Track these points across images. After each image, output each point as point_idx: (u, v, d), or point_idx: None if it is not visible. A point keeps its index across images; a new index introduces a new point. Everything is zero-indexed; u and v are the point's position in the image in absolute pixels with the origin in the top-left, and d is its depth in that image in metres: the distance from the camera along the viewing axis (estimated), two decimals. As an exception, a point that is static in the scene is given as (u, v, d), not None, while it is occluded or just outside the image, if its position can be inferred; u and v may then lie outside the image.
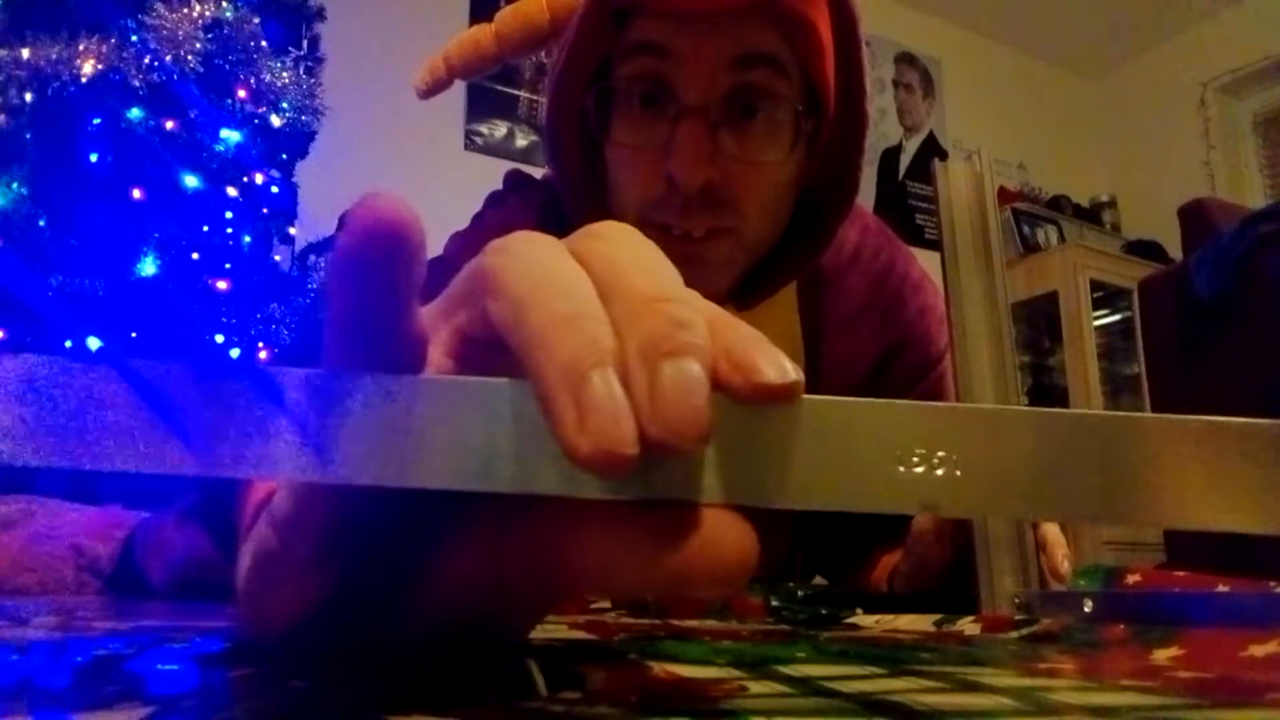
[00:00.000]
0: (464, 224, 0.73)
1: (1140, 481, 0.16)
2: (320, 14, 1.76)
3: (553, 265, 0.16)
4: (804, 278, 0.66)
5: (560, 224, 0.64)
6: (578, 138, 0.61)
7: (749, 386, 0.14)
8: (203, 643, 0.27)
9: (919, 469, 0.15)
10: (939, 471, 0.15)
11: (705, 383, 0.14)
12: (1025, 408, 0.17)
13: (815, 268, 0.66)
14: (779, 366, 0.14)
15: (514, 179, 0.72)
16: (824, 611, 0.45)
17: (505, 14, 0.69)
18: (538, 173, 0.75)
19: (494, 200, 0.70)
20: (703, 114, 0.53)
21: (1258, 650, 0.25)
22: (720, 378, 0.14)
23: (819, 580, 0.76)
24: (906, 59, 3.72)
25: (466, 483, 0.14)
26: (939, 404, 0.16)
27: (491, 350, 0.16)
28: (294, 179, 1.71)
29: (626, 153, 0.57)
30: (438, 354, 0.17)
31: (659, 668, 0.22)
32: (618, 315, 0.15)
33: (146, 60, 1.35)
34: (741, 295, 0.62)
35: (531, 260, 0.16)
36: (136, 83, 1.34)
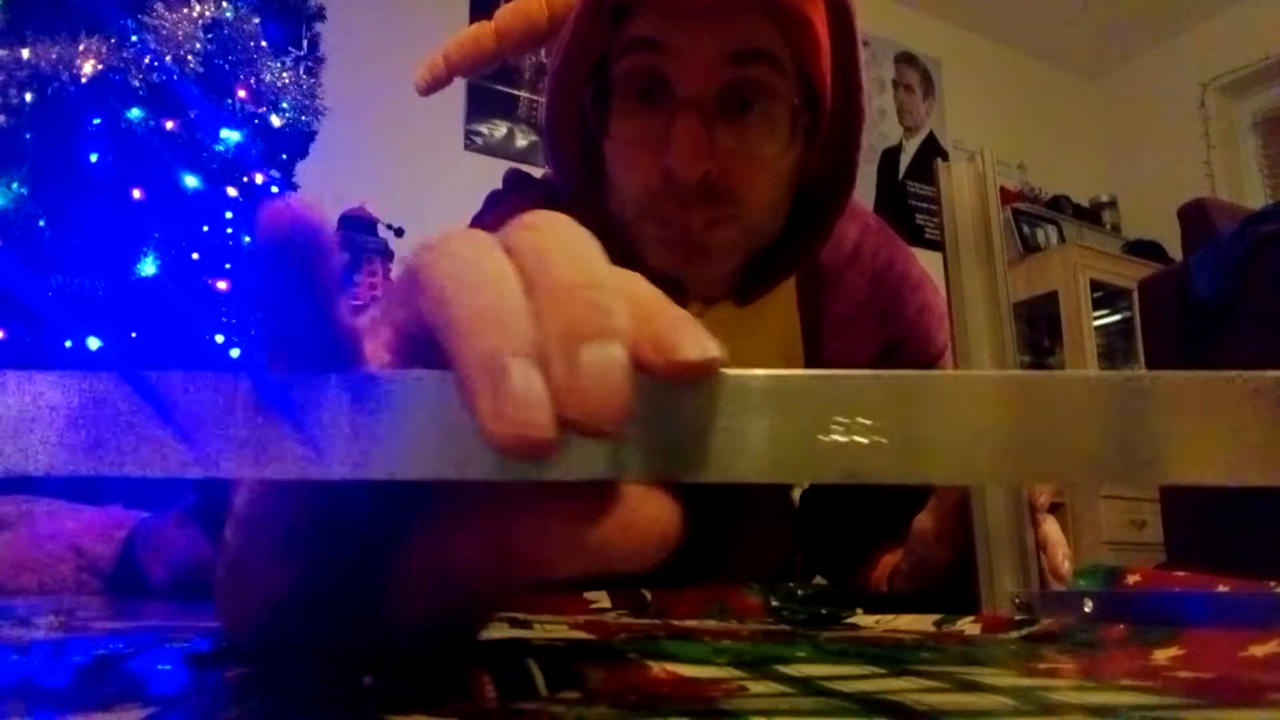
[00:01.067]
0: (464, 224, 0.73)
1: (1060, 440, 0.16)
2: (320, 14, 1.76)
3: (476, 259, 0.17)
4: (803, 275, 0.66)
5: None
6: (576, 134, 0.61)
7: (667, 365, 0.15)
8: (202, 643, 0.27)
9: (840, 438, 0.16)
10: (861, 439, 0.16)
11: (623, 365, 0.14)
12: (945, 372, 0.17)
13: (815, 265, 0.66)
14: (699, 345, 0.15)
15: (513, 178, 0.72)
16: (824, 611, 0.45)
17: (505, 11, 0.69)
18: (537, 172, 0.75)
19: (493, 200, 0.70)
20: (699, 108, 0.53)
21: (1258, 650, 0.25)
22: (641, 359, 0.15)
23: (819, 580, 0.76)
24: (906, 59, 3.72)
25: (405, 473, 0.15)
26: (858, 371, 0.16)
27: (431, 346, 0.16)
28: (294, 179, 1.71)
29: (625, 148, 0.57)
30: (379, 350, 0.18)
31: (659, 668, 0.22)
32: (542, 303, 0.15)
33: (146, 60, 1.35)
34: (741, 292, 0.62)
35: (457, 256, 0.17)
36: (136, 83, 1.34)
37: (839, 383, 0.16)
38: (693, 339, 0.15)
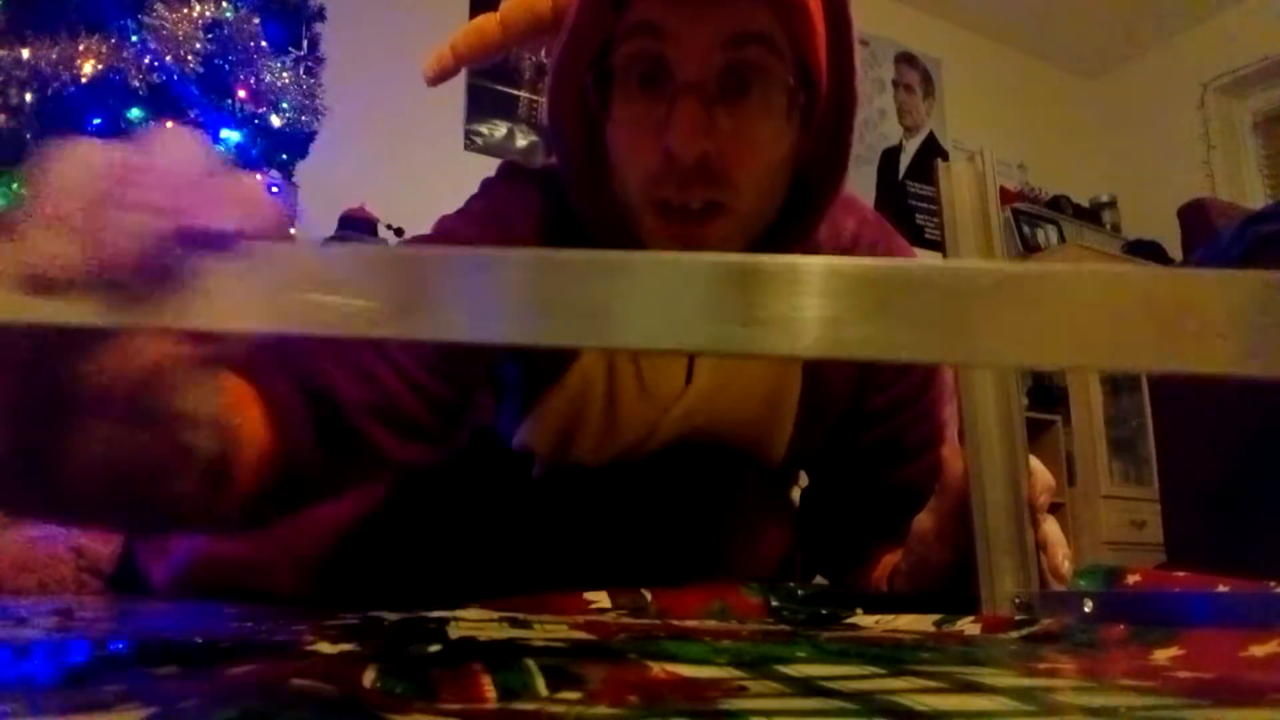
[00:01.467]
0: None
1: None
2: (320, 14, 1.76)
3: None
4: None
5: (560, 209, 0.65)
6: (579, 120, 0.62)
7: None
8: (202, 642, 0.27)
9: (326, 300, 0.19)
10: None
11: (131, 229, 0.19)
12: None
13: (813, 253, 0.66)
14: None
15: (506, 168, 0.72)
16: (824, 611, 0.45)
17: (510, 2, 0.70)
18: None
19: (484, 188, 0.71)
20: (699, 90, 0.54)
21: (1258, 650, 0.25)
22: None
23: (819, 580, 0.76)
24: (906, 59, 3.72)
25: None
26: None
27: None
28: (294, 179, 1.71)
29: (626, 130, 0.58)
30: None
31: (659, 668, 0.22)
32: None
33: (146, 60, 1.35)
34: None
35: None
36: (136, 83, 1.34)
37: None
38: (216, 214, 0.20)
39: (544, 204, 0.66)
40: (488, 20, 0.71)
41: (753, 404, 0.67)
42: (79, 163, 0.21)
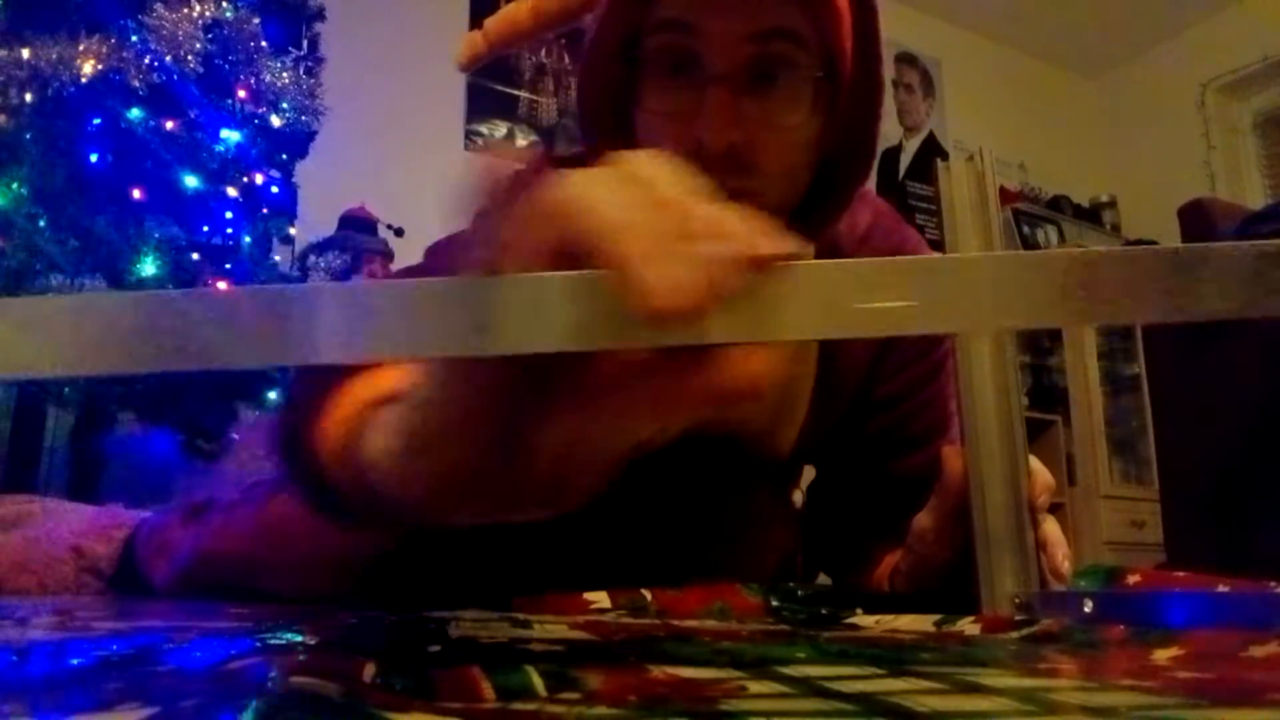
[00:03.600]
0: (463, 224, 0.74)
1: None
2: (320, 14, 1.76)
3: (604, 186, 0.22)
4: (820, 252, 0.67)
5: None
6: (607, 107, 0.63)
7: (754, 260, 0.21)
8: (203, 642, 0.27)
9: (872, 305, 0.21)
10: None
11: (723, 257, 0.21)
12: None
13: (832, 242, 0.67)
14: (774, 244, 0.21)
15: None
16: (824, 611, 0.45)
17: None
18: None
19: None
20: (728, 81, 0.56)
21: (1258, 650, 0.26)
22: (734, 254, 0.21)
23: (823, 578, 0.76)
24: (906, 59, 3.72)
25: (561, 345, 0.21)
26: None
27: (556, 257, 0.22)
28: (294, 179, 1.71)
29: (656, 118, 0.59)
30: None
31: (658, 669, 0.22)
32: (657, 214, 0.21)
33: (146, 60, 1.35)
34: (760, 263, 0.63)
35: (582, 185, 0.22)
36: (136, 83, 1.34)
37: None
38: (768, 241, 0.21)
39: None
40: (519, 7, 0.73)
41: (770, 390, 0.68)
42: (630, 196, 0.22)
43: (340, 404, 0.33)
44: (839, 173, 0.64)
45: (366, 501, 0.29)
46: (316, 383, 0.37)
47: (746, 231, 0.22)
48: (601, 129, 0.64)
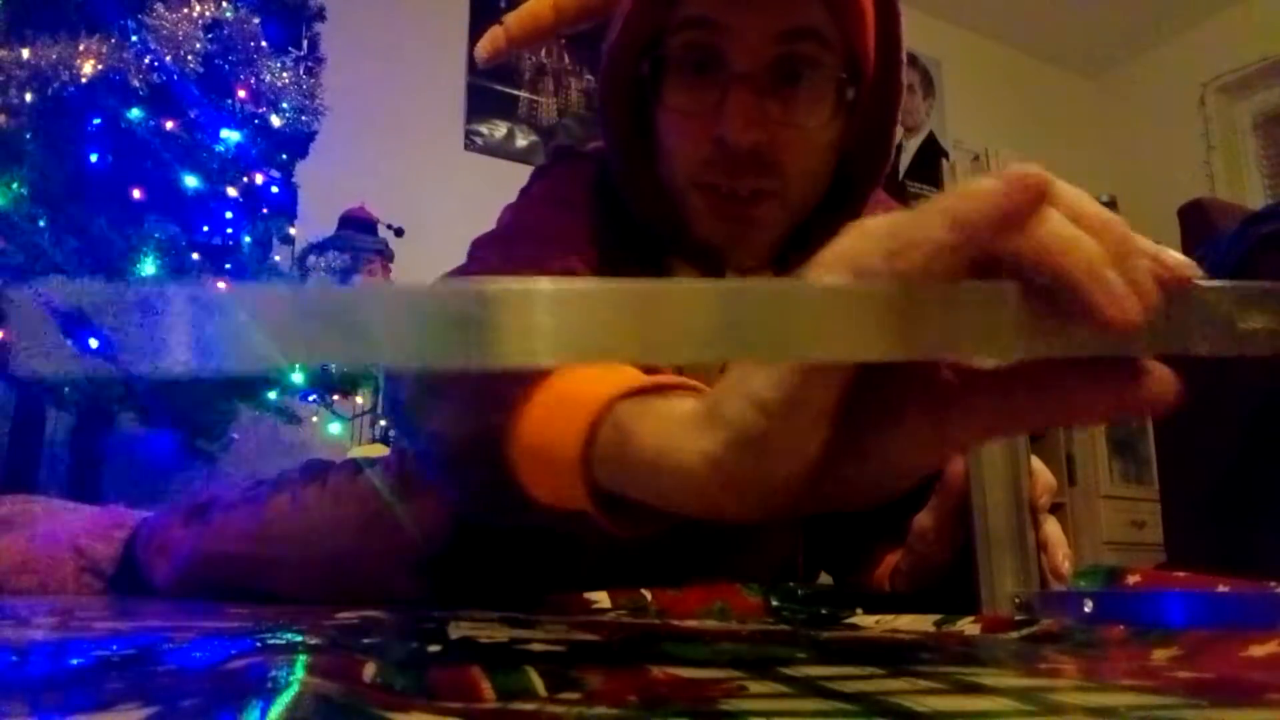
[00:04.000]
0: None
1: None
2: (320, 14, 1.76)
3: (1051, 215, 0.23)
4: None
5: (607, 190, 0.66)
6: (629, 106, 0.63)
7: (1176, 279, 0.23)
8: (203, 642, 0.27)
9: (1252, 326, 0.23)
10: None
11: (1153, 272, 0.22)
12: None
13: None
14: (1181, 264, 0.23)
15: (558, 150, 0.75)
16: (824, 611, 0.45)
17: None
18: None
19: (539, 173, 0.73)
20: (752, 81, 0.56)
21: (1258, 650, 0.25)
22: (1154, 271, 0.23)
23: (823, 578, 0.76)
24: (907, 59, 3.71)
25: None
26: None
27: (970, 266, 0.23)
28: (294, 179, 1.71)
29: (678, 117, 0.59)
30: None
31: (658, 669, 0.22)
32: (1089, 233, 0.23)
33: (146, 60, 1.35)
34: (779, 262, 0.63)
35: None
36: (136, 83, 1.34)
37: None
38: (1174, 259, 0.23)
39: (595, 177, 0.67)
40: (540, 4, 0.73)
41: None
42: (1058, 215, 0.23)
43: (543, 403, 0.33)
44: (855, 172, 0.64)
45: (608, 502, 0.31)
46: (483, 383, 0.36)
47: (1156, 251, 0.23)
48: (623, 127, 0.64)
